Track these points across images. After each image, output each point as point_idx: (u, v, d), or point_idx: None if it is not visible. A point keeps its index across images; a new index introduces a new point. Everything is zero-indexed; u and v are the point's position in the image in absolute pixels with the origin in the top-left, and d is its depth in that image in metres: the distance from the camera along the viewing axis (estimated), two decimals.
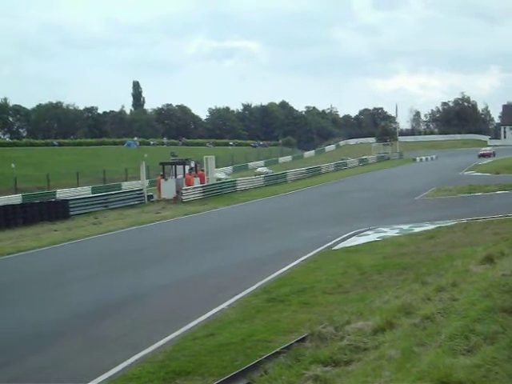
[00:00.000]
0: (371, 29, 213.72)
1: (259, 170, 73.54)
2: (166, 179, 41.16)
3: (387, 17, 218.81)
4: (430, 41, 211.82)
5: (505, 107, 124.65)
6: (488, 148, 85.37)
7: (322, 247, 17.95)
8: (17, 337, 10.68)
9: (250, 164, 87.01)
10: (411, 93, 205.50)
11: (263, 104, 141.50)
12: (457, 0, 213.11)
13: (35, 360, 9.32)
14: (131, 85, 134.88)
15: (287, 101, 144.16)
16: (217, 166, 52.94)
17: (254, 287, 13.21)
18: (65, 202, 34.62)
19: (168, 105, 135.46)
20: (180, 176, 41.41)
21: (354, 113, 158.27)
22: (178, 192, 39.47)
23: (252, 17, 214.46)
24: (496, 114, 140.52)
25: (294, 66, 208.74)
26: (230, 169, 79.63)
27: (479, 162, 62.16)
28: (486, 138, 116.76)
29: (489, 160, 64.62)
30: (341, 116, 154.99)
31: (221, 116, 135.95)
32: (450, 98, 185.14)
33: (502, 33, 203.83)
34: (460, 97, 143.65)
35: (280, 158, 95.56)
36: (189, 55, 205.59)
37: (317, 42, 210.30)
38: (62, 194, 50.46)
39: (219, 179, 58.53)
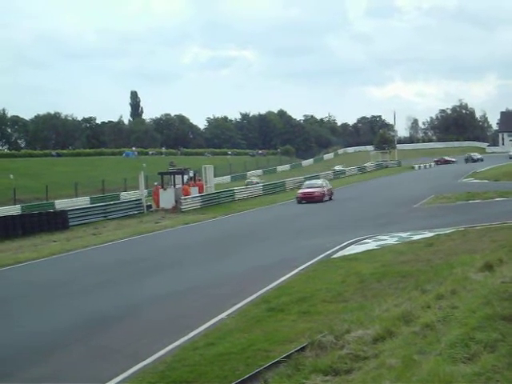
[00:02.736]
0: (366, 37, 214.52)
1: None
2: (165, 189, 41.22)
3: (382, 25, 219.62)
4: (426, 48, 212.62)
5: (503, 114, 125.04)
6: (319, 182, 45.34)
7: (321, 256, 17.93)
8: (19, 348, 10.66)
9: (249, 173, 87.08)
10: (408, 100, 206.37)
11: (261, 113, 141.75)
12: (452, 7, 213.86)
13: (36, 371, 9.31)
14: (129, 95, 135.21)
15: (285, 109, 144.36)
16: (215, 176, 52.92)
17: (253, 297, 13.21)
18: (64, 212, 34.61)
19: (166, 114, 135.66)
20: (179, 185, 41.47)
21: (352, 121, 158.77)
22: (176, 201, 39.53)
23: (247, 26, 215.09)
24: (494, 121, 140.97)
25: (291, 75, 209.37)
26: (228, 178, 79.61)
27: (477, 169, 62.08)
28: (484, 144, 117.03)
29: (486, 168, 64.01)
30: (339, 124, 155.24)
31: (219, 125, 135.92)
32: (448, 105, 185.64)
33: (498, 40, 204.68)
34: (458, 104, 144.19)
35: (278, 167, 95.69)
36: (185, 65, 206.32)
37: (312, 50, 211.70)
38: (61, 204, 50.41)
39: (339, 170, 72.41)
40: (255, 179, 69.37)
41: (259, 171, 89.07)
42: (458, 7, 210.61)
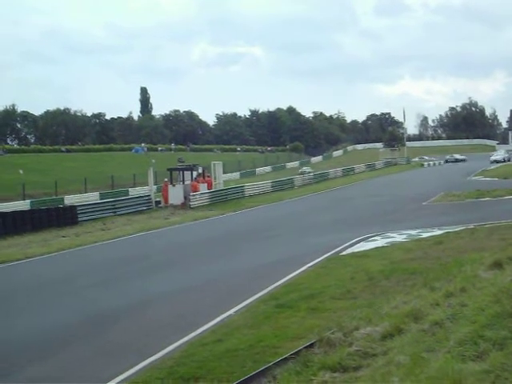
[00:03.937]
0: (375, 34, 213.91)
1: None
2: (174, 185, 41.28)
3: (390, 22, 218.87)
4: (434, 46, 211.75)
5: None
6: None
7: (330, 253, 17.90)
8: (25, 343, 10.70)
9: (258, 170, 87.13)
10: (417, 98, 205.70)
11: (270, 110, 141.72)
12: (460, 5, 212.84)
13: (41, 367, 9.34)
14: (139, 91, 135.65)
15: (294, 106, 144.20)
16: (224, 172, 52.94)
17: (261, 293, 13.19)
18: (73, 208, 34.64)
19: (176, 111, 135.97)
20: (188, 182, 41.54)
21: (361, 118, 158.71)
22: (185, 198, 39.58)
23: (255, 22, 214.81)
24: (503, 119, 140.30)
25: (300, 72, 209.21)
26: (237, 174, 79.65)
27: (487, 167, 61.88)
28: (493, 142, 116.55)
29: (495, 166, 64.05)
30: (348, 121, 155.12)
31: (228, 122, 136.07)
32: (457, 102, 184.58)
33: (506, 37, 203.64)
34: (467, 102, 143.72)
35: (287, 164, 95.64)
36: (194, 61, 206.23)
37: (321, 47, 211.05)
38: (70, 200, 50.56)
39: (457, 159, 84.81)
40: (307, 169, 79.71)
41: (268, 168, 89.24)
42: (465, 4, 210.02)
